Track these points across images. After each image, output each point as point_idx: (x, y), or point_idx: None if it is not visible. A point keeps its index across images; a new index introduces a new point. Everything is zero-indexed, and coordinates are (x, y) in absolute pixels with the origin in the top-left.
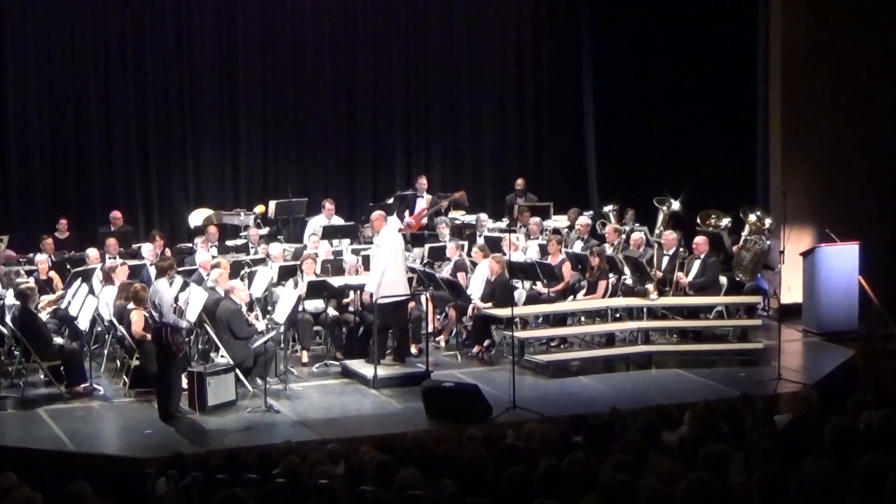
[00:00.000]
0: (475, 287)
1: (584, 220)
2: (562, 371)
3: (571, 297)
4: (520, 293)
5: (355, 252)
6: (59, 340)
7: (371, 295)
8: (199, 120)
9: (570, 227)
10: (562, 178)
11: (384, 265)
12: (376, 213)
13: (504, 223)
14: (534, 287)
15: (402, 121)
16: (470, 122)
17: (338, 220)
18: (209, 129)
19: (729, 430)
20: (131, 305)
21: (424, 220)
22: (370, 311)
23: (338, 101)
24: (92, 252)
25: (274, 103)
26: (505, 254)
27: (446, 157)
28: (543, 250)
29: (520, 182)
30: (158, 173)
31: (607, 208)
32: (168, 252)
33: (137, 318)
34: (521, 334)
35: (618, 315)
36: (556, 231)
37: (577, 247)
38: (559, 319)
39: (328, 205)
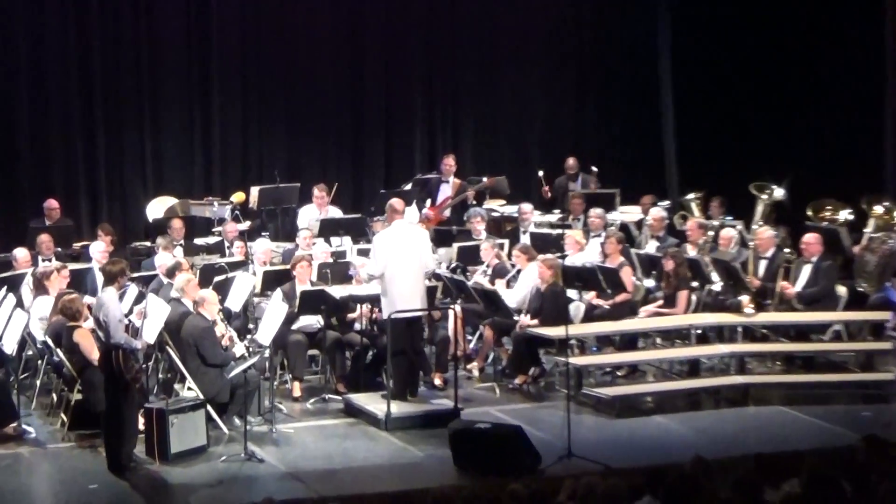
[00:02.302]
0: (518, 299)
1: (660, 212)
2: (631, 409)
3: (639, 312)
4: (577, 307)
5: (363, 253)
6: None
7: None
8: (160, 86)
9: (642, 222)
10: (630, 158)
11: (383, 267)
12: (394, 202)
13: (556, 216)
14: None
15: (423, 84)
16: (512, 87)
17: (335, 212)
18: (172, 96)
19: (851, 488)
20: (72, 323)
21: (447, 212)
22: (383, 330)
23: (339, 59)
24: (20, 253)
25: (256, 64)
26: (562, 255)
27: (481, 131)
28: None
29: (571, 162)
30: (108, 152)
31: (689, 197)
32: (115, 252)
33: (86, 338)
34: (578, 361)
35: (704, 336)
36: (623, 227)
37: (651, 247)
38: (628, 342)
39: (317, 192)
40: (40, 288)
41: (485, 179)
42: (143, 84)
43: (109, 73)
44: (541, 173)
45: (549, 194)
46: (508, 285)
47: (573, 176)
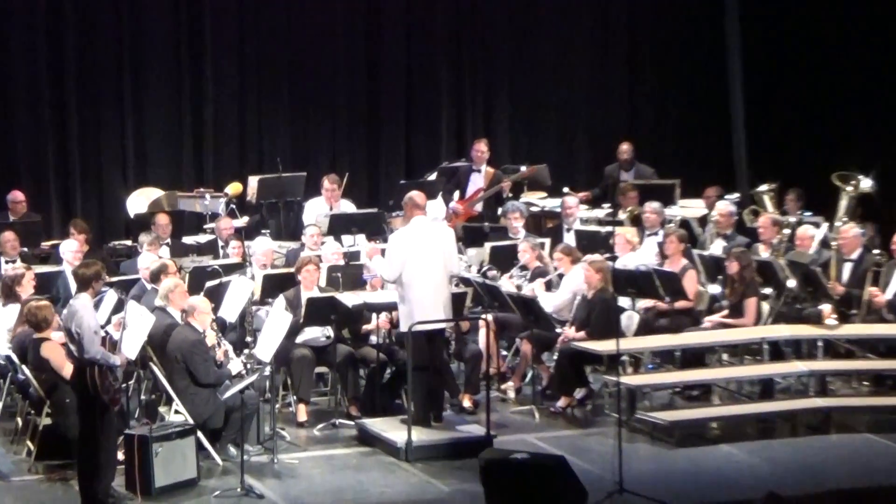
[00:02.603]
0: (556, 304)
1: (727, 206)
2: (694, 437)
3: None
4: (629, 317)
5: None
6: None
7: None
8: (143, 57)
9: (706, 218)
10: (692, 143)
11: (399, 270)
12: (413, 195)
13: (606, 210)
14: (650, 308)
15: (450, 57)
16: (554, 60)
17: (349, 207)
18: (157, 69)
19: None
20: (39, 334)
21: (478, 207)
22: (402, 345)
23: (352, 27)
24: None
25: (256, 33)
26: (612, 256)
27: (518, 111)
28: (662, 251)
29: (625, 148)
30: (81, 137)
31: (761, 189)
32: (90, 253)
33: (56, 352)
34: (631, 380)
35: (778, 351)
36: (684, 223)
37: (717, 248)
38: (690, 358)
39: (327, 184)
40: (10, 296)
41: (523, 168)
42: (122, 54)
43: (83, 40)
44: (566, 190)
45: (589, 198)
46: (548, 288)
47: (627, 163)
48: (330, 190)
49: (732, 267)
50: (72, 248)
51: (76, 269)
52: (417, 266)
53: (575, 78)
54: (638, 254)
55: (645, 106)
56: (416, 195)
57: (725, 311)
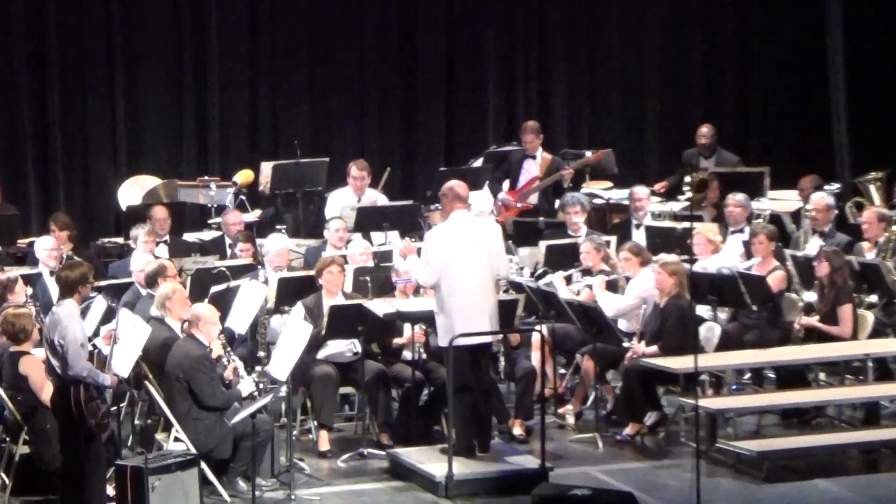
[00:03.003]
0: (618, 308)
1: (825, 199)
2: (785, 470)
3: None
4: (710, 329)
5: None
6: None
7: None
8: (138, 24)
9: (800, 212)
10: (784, 126)
11: (436, 274)
12: (454, 185)
13: (681, 202)
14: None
15: (499, 24)
16: (619, 28)
17: (378, 198)
18: (154, 39)
19: None
20: (17, 347)
21: (533, 199)
22: (441, 361)
23: None
24: None
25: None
26: (689, 257)
27: (577, 88)
28: (749, 252)
29: (704, 131)
30: (64, 118)
31: (866, 178)
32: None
33: (36, 369)
34: (711, 403)
35: (885, 370)
36: (774, 219)
37: (815, 247)
38: (784, 377)
39: (355, 171)
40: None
41: (588, 154)
42: (112, 22)
43: (66, 6)
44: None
45: (665, 189)
46: (610, 290)
47: (706, 149)
48: (358, 178)
49: (822, 269)
50: (46, 246)
51: (59, 272)
52: (458, 269)
53: (643, 49)
54: (721, 255)
55: (726, 83)
56: (456, 185)
57: (817, 318)
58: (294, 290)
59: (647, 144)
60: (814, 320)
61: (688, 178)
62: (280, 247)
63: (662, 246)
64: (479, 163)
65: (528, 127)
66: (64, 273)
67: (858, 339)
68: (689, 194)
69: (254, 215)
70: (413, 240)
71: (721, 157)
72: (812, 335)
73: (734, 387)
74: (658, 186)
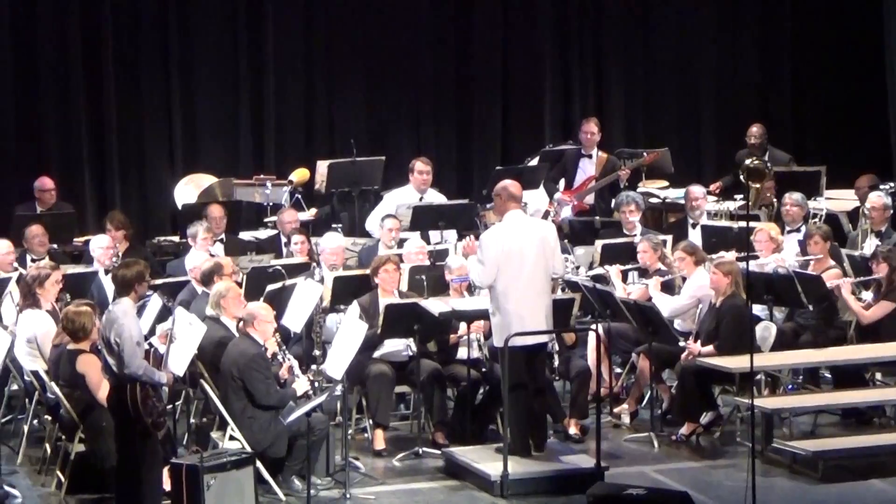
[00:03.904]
0: (674, 307)
1: (882, 198)
2: (841, 470)
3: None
4: (766, 329)
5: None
6: None
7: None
8: (194, 30)
9: (858, 212)
10: (840, 124)
11: (492, 274)
12: (508, 185)
13: (737, 203)
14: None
15: (555, 22)
16: (675, 27)
17: (437, 197)
18: (209, 37)
19: None
20: (75, 345)
21: (589, 198)
22: (497, 360)
23: None
24: (0, 246)
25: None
26: (746, 256)
27: (633, 87)
28: (805, 251)
29: (754, 131)
30: (120, 116)
31: None
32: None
33: (94, 367)
34: (767, 403)
35: None
36: (830, 218)
37: (871, 247)
38: (840, 377)
39: (420, 165)
40: (29, 298)
41: (644, 154)
42: (168, 20)
43: (122, 4)
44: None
45: (720, 189)
46: (666, 290)
47: (757, 149)
48: (424, 173)
49: (880, 269)
50: (102, 245)
51: (115, 270)
52: (513, 269)
53: (699, 48)
54: (778, 255)
55: (782, 82)
56: (510, 185)
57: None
58: (349, 289)
59: (704, 143)
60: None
61: (747, 161)
62: (335, 245)
63: (718, 245)
64: (535, 162)
65: (583, 126)
66: (120, 272)
67: None
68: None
69: (309, 214)
70: (471, 238)
71: (773, 155)
72: (868, 335)
73: (790, 386)
74: (713, 187)
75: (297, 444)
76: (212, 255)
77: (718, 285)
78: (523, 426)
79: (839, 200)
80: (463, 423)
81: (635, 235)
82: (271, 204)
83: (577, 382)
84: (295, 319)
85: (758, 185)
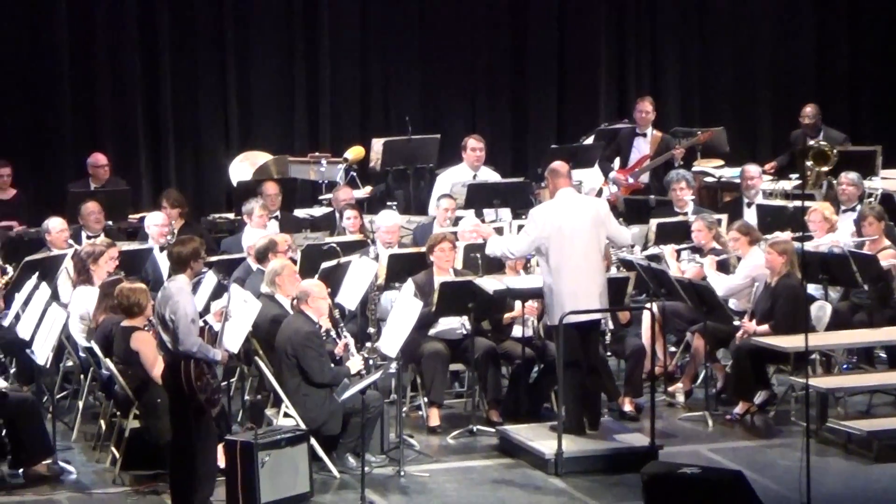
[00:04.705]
0: (728, 287)
1: None
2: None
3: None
4: (821, 308)
5: None
6: None
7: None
8: (250, 7)
9: None
10: (895, 104)
11: (527, 248)
12: (555, 165)
13: (791, 182)
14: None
15: (613, 2)
16: (732, 9)
17: (492, 175)
18: (265, 15)
19: None
20: (129, 321)
21: (644, 178)
22: (551, 339)
23: None
24: (54, 223)
25: None
26: (801, 235)
27: (688, 66)
28: (860, 231)
29: (808, 111)
30: (176, 94)
31: None
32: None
33: (148, 344)
34: (822, 382)
35: None
36: (886, 198)
37: None
38: (894, 357)
39: (473, 142)
40: (83, 275)
41: (699, 133)
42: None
43: None
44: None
45: (774, 169)
46: (722, 270)
47: (811, 129)
48: (478, 150)
49: None
50: (157, 222)
51: (171, 247)
52: (565, 247)
53: (755, 26)
54: (833, 234)
55: (838, 60)
56: (557, 164)
57: None
58: (404, 267)
59: (759, 122)
60: None
61: (812, 143)
62: (390, 223)
63: (774, 225)
64: (589, 140)
65: (638, 105)
66: (176, 248)
67: None
68: (809, 164)
69: (364, 192)
70: (524, 217)
71: (828, 135)
72: None
73: (845, 366)
74: (768, 167)
75: (351, 422)
76: (269, 232)
77: (773, 265)
78: (577, 404)
79: (895, 180)
80: (517, 401)
81: (687, 213)
82: (326, 181)
83: (631, 361)
84: (350, 297)
85: (823, 168)
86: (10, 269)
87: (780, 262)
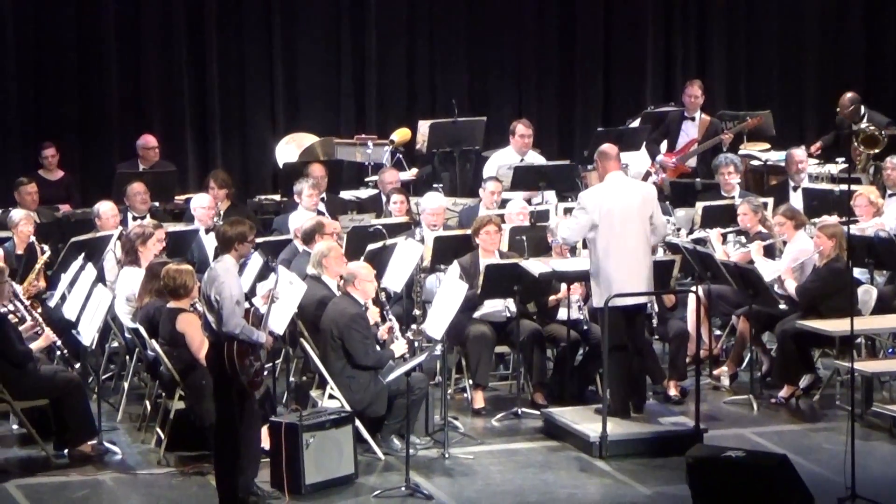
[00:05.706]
0: (775, 271)
1: None
2: None
3: None
4: (867, 292)
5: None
6: (46, 365)
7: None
8: None
9: None
10: None
11: (581, 232)
12: (604, 148)
13: (838, 166)
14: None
15: None
16: None
17: (538, 159)
18: (313, 1)
19: None
20: (175, 303)
21: (692, 162)
22: (597, 322)
23: None
24: (104, 207)
25: None
26: (848, 219)
27: (736, 49)
28: None
29: (848, 98)
30: (222, 75)
31: None
32: (233, 209)
33: (194, 326)
34: (868, 366)
35: None
36: None
37: None
38: None
39: (522, 128)
40: (131, 256)
41: (747, 119)
42: None
43: None
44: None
45: (819, 149)
46: (769, 255)
47: (853, 113)
48: (525, 136)
49: None
50: (203, 204)
51: (219, 228)
52: (614, 230)
53: (803, 10)
54: (880, 218)
55: (886, 43)
56: (606, 147)
57: None
58: (450, 249)
59: (806, 105)
60: None
61: (862, 125)
62: (436, 206)
63: (819, 208)
64: (636, 123)
65: (686, 88)
66: (223, 229)
67: None
68: (860, 148)
69: (410, 174)
70: (570, 200)
71: (872, 119)
72: None
73: (890, 350)
74: (814, 148)
75: (396, 404)
76: (319, 213)
77: (823, 248)
78: (622, 387)
79: None
80: (562, 383)
81: (733, 196)
82: (372, 163)
83: (675, 344)
84: (395, 279)
85: (872, 151)
86: (47, 248)
87: (830, 245)
